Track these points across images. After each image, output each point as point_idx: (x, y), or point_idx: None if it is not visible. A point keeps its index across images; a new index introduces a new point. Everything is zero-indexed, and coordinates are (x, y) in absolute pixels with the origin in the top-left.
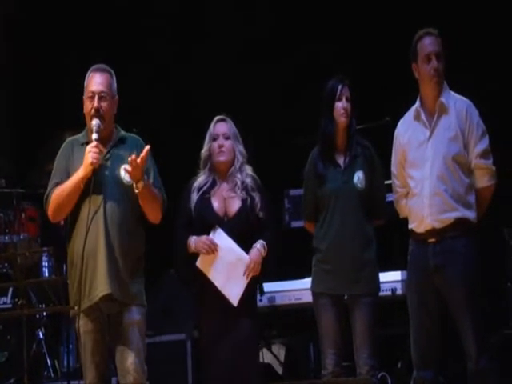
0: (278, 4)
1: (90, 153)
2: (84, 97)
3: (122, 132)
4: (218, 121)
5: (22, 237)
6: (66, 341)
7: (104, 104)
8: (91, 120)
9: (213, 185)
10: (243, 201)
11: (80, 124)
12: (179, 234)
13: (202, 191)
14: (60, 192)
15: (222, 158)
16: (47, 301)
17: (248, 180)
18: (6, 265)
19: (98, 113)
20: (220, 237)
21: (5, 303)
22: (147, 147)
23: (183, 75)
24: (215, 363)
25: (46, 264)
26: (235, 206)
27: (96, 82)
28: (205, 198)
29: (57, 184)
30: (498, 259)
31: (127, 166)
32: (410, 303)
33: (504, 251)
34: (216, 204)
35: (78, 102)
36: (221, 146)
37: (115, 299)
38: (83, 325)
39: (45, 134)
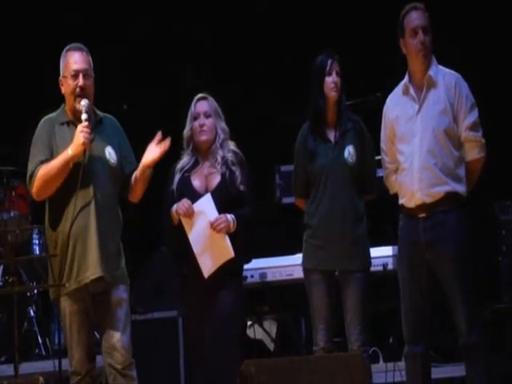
0: None
1: (82, 133)
2: (62, 76)
3: (98, 112)
4: (198, 99)
5: (12, 214)
6: (57, 318)
7: (88, 82)
8: (76, 100)
9: (195, 164)
10: (223, 175)
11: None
12: (165, 215)
13: (183, 171)
14: (47, 170)
15: (203, 138)
16: (38, 278)
17: (229, 155)
18: None
19: (83, 91)
20: (206, 201)
21: None
22: (159, 133)
23: (167, 54)
24: (198, 339)
25: (37, 241)
26: (215, 181)
27: (77, 60)
28: (185, 177)
29: (42, 162)
30: (489, 233)
31: (110, 149)
32: (401, 278)
33: (495, 225)
34: (196, 182)
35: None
36: (202, 125)
37: (103, 280)
38: (69, 305)
39: (34, 113)
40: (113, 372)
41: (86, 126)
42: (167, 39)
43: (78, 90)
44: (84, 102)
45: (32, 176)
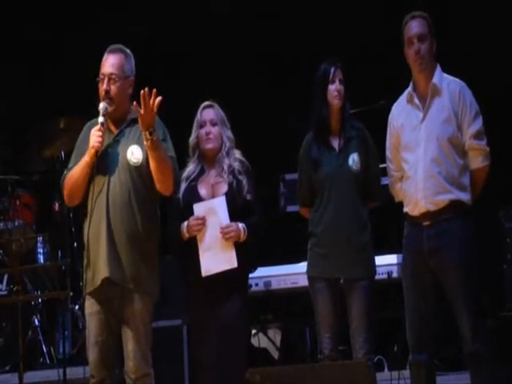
0: None
1: (93, 136)
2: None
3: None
4: (204, 107)
5: (16, 223)
6: (62, 327)
7: (113, 86)
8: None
9: (201, 172)
10: (229, 184)
11: (74, 110)
12: (171, 225)
13: (189, 180)
14: (70, 177)
15: (209, 146)
16: (42, 287)
17: (236, 164)
18: (1, 251)
19: (107, 95)
20: (220, 203)
21: (0, 290)
22: (159, 98)
23: (176, 60)
24: (203, 348)
25: (42, 250)
26: (222, 190)
27: (107, 63)
28: (191, 186)
29: (70, 168)
30: (494, 241)
31: (135, 148)
32: (405, 286)
33: (499, 233)
34: (203, 191)
35: (71, 88)
36: (208, 133)
37: (117, 283)
38: (88, 307)
39: (39, 120)
40: (128, 381)
41: (99, 130)
42: (167, 39)
43: (102, 94)
44: (102, 105)
45: (63, 183)
